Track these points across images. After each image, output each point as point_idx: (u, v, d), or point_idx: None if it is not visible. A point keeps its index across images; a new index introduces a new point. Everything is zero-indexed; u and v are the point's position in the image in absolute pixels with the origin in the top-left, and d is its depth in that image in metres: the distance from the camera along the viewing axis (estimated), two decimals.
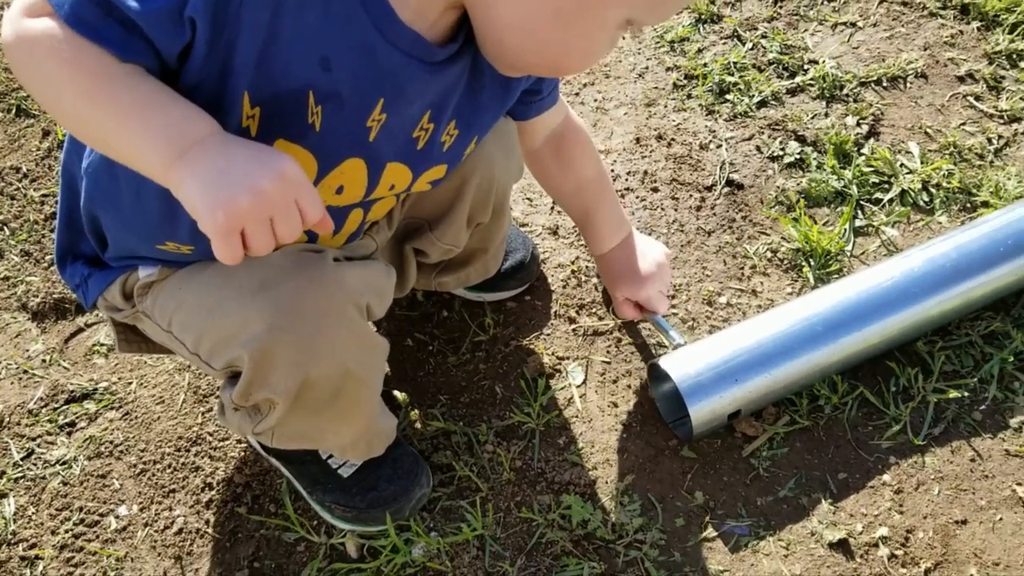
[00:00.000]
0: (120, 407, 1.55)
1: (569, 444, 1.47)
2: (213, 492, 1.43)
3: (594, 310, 1.64)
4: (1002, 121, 1.89)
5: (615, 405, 1.51)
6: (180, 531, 1.40)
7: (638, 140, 1.92)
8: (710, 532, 1.36)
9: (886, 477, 1.39)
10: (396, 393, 1.52)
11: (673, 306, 1.63)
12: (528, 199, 1.84)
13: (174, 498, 1.44)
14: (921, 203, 1.75)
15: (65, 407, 1.55)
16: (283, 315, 1.03)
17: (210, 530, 1.40)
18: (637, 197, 1.82)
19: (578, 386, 1.54)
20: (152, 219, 1.04)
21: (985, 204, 1.73)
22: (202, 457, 1.47)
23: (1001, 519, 1.34)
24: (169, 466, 1.47)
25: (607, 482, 1.42)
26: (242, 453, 1.47)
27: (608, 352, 1.58)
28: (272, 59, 0.88)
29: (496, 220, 1.42)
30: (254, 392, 1.09)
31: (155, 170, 0.84)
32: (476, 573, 1.32)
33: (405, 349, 1.60)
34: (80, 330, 1.68)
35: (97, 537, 1.40)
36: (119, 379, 1.59)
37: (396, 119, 1.01)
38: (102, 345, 1.64)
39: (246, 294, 1.04)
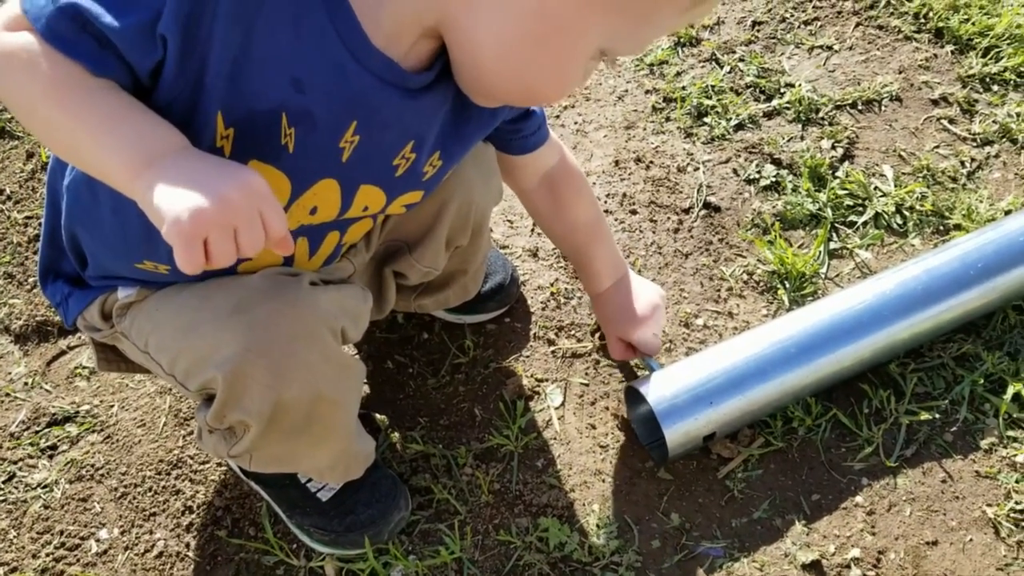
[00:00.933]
0: (102, 430, 1.56)
1: (547, 466, 1.48)
2: (193, 515, 1.44)
3: (573, 332, 1.66)
4: (975, 144, 1.93)
5: (593, 427, 1.53)
6: (160, 554, 1.41)
7: (617, 163, 1.95)
8: (685, 554, 1.37)
9: (859, 498, 1.41)
10: (375, 415, 1.54)
11: None
12: (508, 221, 1.86)
13: (155, 521, 1.44)
14: (895, 226, 1.78)
15: (47, 430, 1.56)
16: (257, 337, 1.04)
17: (190, 553, 1.41)
18: (616, 219, 1.84)
19: (556, 408, 1.56)
20: (130, 237, 1.05)
21: (957, 227, 1.76)
22: (183, 480, 1.48)
23: (971, 540, 1.36)
24: (150, 489, 1.48)
25: (584, 504, 1.43)
26: (222, 476, 1.48)
27: (587, 374, 1.60)
28: (244, 79, 0.90)
29: (475, 243, 1.44)
30: (228, 414, 1.10)
31: (122, 178, 0.84)
32: None
33: (385, 371, 1.62)
34: (62, 352, 1.69)
35: (78, 560, 1.41)
36: (101, 402, 1.60)
37: (370, 142, 1.03)
38: (84, 368, 1.65)
39: (221, 316, 1.05)
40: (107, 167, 0.86)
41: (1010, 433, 1.47)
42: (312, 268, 1.18)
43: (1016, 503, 1.39)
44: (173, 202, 0.79)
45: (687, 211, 1.85)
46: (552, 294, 1.71)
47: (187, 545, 1.41)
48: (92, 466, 1.51)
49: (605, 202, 1.87)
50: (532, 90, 1.03)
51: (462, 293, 1.55)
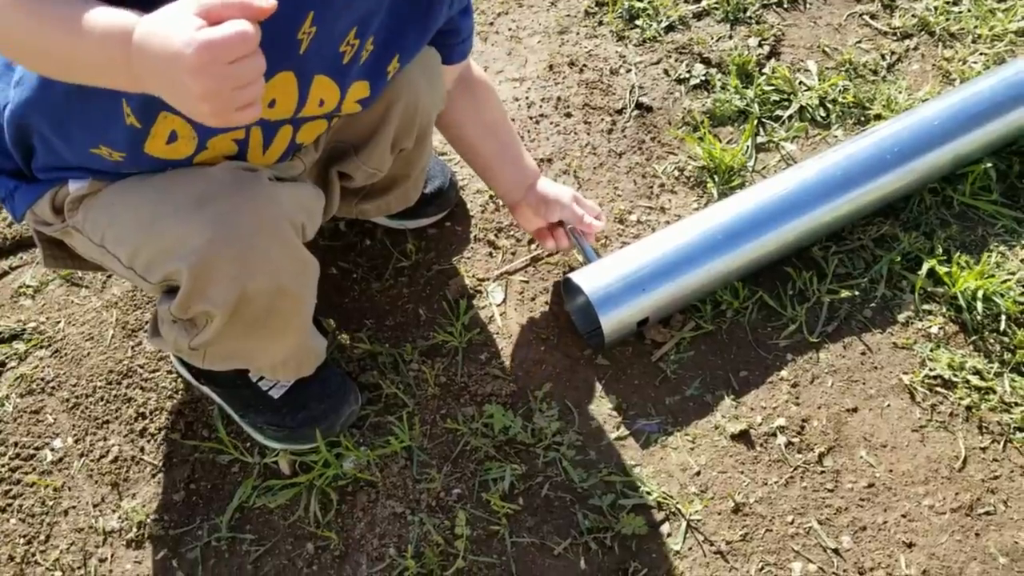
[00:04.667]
0: (49, 345, 1.58)
1: (491, 359, 1.54)
2: (146, 421, 1.48)
3: (512, 232, 1.70)
4: (895, 38, 1.99)
5: (533, 321, 1.59)
6: (116, 459, 1.45)
7: (551, 67, 1.97)
8: (623, 431, 1.45)
9: (783, 373, 1.50)
10: (323, 319, 1.58)
11: None
12: None
13: (108, 429, 1.48)
14: (818, 118, 1.85)
15: None
16: (222, 230, 1.06)
17: (145, 457, 1.45)
18: (551, 123, 1.87)
19: (498, 305, 1.61)
20: (90, 116, 1.05)
21: (878, 117, 1.83)
22: (134, 389, 1.52)
23: (889, 405, 1.46)
24: (102, 399, 1.51)
25: (527, 392, 1.50)
26: (173, 384, 1.52)
27: (526, 272, 1.65)
28: None
29: (419, 146, 1.46)
30: (192, 305, 1.13)
31: (117, 54, 0.84)
32: (405, 481, 1.40)
33: (330, 278, 1.65)
34: (5, 273, 1.69)
35: (34, 470, 1.44)
36: (47, 319, 1.61)
37: (325, 32, 1.04)
38: (28, 287, 1.66)
39: (184, 208, 1.07)
40: (92, 59, 0.87)
41: (925, 307, 1.56)
42: (266, 164, 1.20)
43: (930, 370, 1.48)
44: (182, 32, 0.79)
45: (620, 112, 1.89)
46: (490, 197, 1.75)
47: (141, 449, 1.45)
48: (42, 379, 1.53)
49: (540, 106, 1.90)
50: None
51: (403, 199, 1.58)
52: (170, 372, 1.53)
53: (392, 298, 1.63)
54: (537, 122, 1.88)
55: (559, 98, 1.91)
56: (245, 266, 1.08)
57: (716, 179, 1.75)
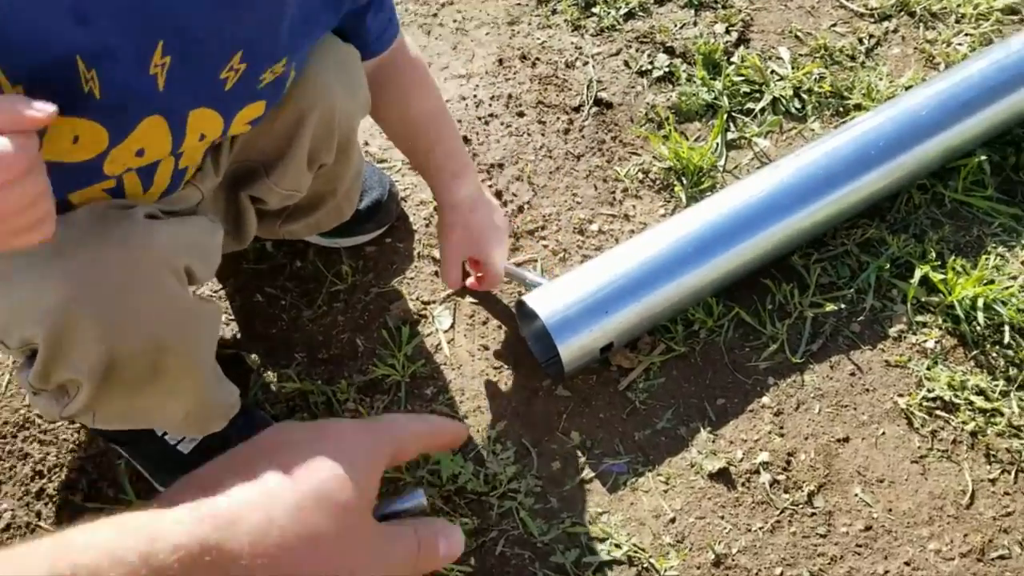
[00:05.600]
0: None
1: (438, 394, 1.37)
2: (44, 480, 1.29)
3: None
4: (872, 20, 1.83)
5: (486, 348, 1.42)
6: (8, 527, 1.26)
7: (501, 61, 1.80)
8: (588, 473, 1.29)
9: (765, 399, 1.34)
10: (245, 355, 1.40)
11: (542, 238, 1.53)
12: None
13: (1, 491, 1.29)
14: (793, 110, 1.68)
15: None
16: (81, 285, 0.89)
17: (42, 523, 1.26)
18: (502, 123, 1.70)
19: (446, 331, 1.44)
20: None
21: (858, 107, 1.67)
22: (31, 443, 1.33)
23: (883, 433, 1.31)
24: None
25: (479, 430, 1.33)
26: (76, 435, 1.33)
27: (477, 293, 1.48)
28: (11, 27, 0.74)
29: (343, 160, 1.28)
30: (53, 373, 0.96)
31: None
32: None
33: (255, 306, 1.47)
34: None
35: None
36: None
37: (186, 61, 0.87)
38: None
39: (39, 261, 0.89)
40: None
41: (919, 318, 1.40)
42: (149, 201, 1.03)
43: (928, 391, 1.33)
44: None
45: (577, 109, 1.72)
46: (435, 209, 1.57)
47: (38, 514, 1.27)
48: None
49: (489, 105, 1.72)
50: None
51: (335, 215, 1.40)
52: (73, 422, 1.34)
53: (326, 327, 1.45)
54: (486, 123, 1.70)
55: (510, 96, 1.74)
56: (111, 326, 0.91)
57: (684, 181, 1.58)
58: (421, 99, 1.30)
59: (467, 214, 1.34)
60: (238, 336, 1.45)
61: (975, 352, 1.36)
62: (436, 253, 1.52)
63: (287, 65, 1.00)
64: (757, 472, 1.27)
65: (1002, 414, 1.30)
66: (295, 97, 1.09)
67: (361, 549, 0.54)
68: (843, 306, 1.42)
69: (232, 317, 1.47)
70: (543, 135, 1.68)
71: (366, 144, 1.68)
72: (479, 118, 1.70)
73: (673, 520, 1.24)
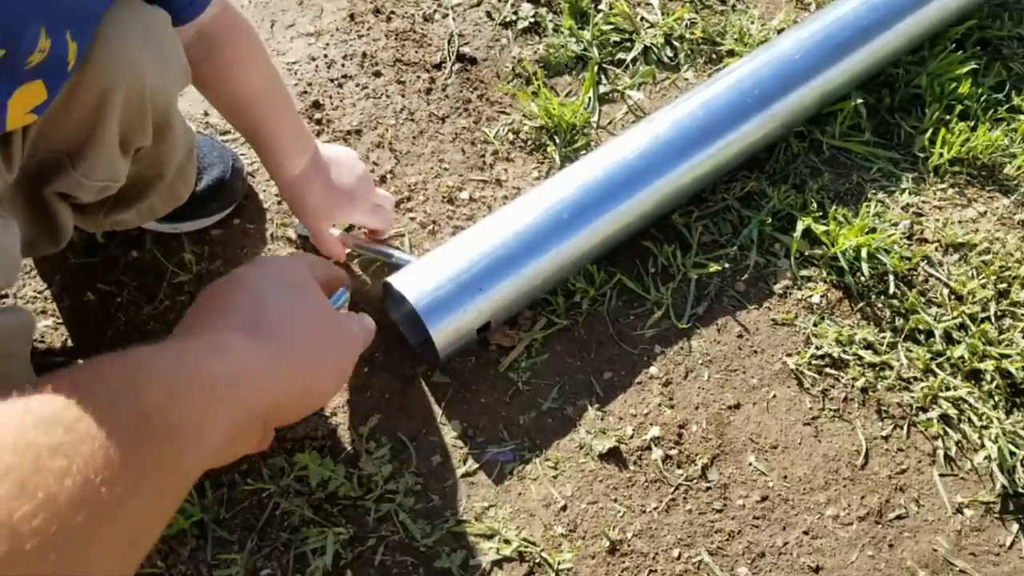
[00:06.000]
0: None
1: None
2: None
3: None
4: None
5: None
6: None
7: (352, 17, 1.64)
8: (471, 465, 1.19)
9: (653, 369, 1.27)
10: (76, 363, 1.23)
11: (409, 210, 1.40)
12: None
13: None
14: (665, 59, 1.60)
15: None
16: None
17: None
18: (357, 85, 1.55)
19: None
20: None
21: (731, 53, 1.60)
22: None
23: (774, 396, 1.25)
24: None
25: (350, 429, 1.21)
26: None
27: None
28: None
29: (165, 139, 1.10)
30: None
31: None
32: (198, 568, 1.09)
33: (86, 305, 1.30)
34: None
35: None
36: None
37: None
38: None
39: None
40: None
41: (803, 273, 1.36)
42: None
43: (816, 348, 1.28)
44: None
45: (439, 67, 1.59)
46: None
47: None
48: None
49: (342, 65, 1.57)
50: None
51: (170, 198, 1.24)
52: None
53: (169, 325, 1.29)
54: (340, 85, 1.55)
55: (365, 54, 1.59)
56: None
57: (557, 140, 1.48)
58: (249, 71, 1.14)
59: (313, 186, 1.20)
60: (69, 343, 1.27)
61: (861, 304, 1.32)
62: (291, 233, 1.38)
63: (58, 36, 0.83)
64: (648, 448, 1.20)
65: (891, 367, 1.26)
66: (93, 74, 0.92)
67: (335, 322, 0.69)
68: (727, 265, 1.35)
69: (60, 321, 1.29)
70: (403, 96, 1.54)
71: (206, 114, 1.50)
72: (331, 80, 1.55)
73: (564, 508, 1.15)
